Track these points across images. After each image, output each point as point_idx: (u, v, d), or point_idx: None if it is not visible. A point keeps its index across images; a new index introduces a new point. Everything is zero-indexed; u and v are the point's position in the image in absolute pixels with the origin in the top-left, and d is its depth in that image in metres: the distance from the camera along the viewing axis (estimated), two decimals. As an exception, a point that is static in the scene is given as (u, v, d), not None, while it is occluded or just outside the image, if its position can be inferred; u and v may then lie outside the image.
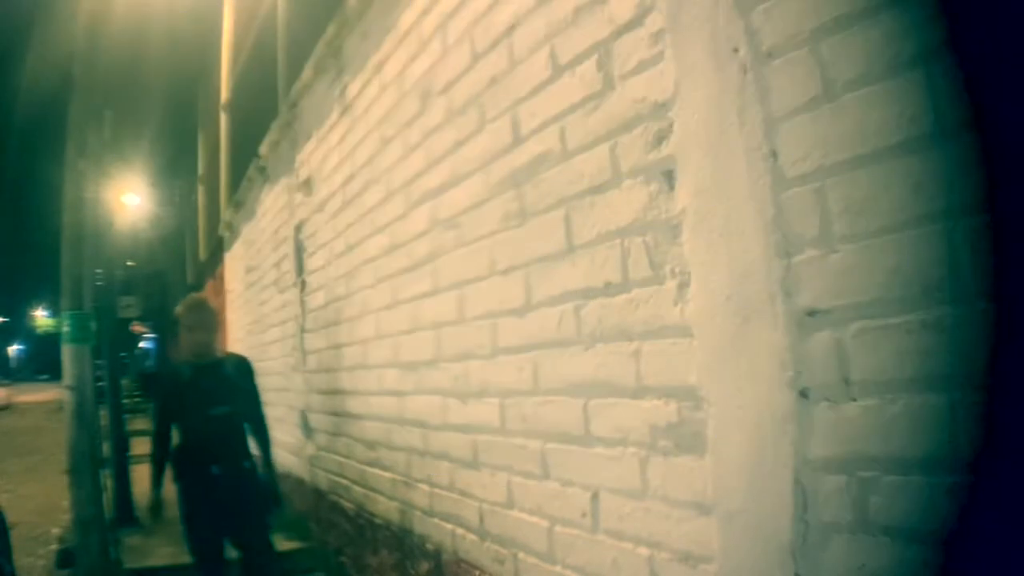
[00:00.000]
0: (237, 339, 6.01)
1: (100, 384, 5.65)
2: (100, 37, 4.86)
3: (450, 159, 2.02)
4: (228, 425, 2.84)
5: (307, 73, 3.46)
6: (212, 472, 2.76)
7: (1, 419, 18.18)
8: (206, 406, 2.80)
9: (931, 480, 0.82)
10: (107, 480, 5.39)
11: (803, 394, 0.97)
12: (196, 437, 2.81)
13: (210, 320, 2.97)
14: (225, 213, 6.74)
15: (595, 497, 1.43)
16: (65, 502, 5.05)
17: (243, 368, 3.01)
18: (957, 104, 0.80)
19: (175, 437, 2.89)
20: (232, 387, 2.89)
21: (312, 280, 3.68)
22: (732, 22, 1.07)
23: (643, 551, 1.29)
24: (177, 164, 14.55)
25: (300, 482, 3.95)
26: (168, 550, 4.06)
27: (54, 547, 5.18)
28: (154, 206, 14.69)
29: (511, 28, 1.69)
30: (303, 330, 3.87)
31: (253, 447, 2.97)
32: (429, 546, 2.22)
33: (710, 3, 1.11)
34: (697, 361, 1.16)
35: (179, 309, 2.98)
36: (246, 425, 2.97)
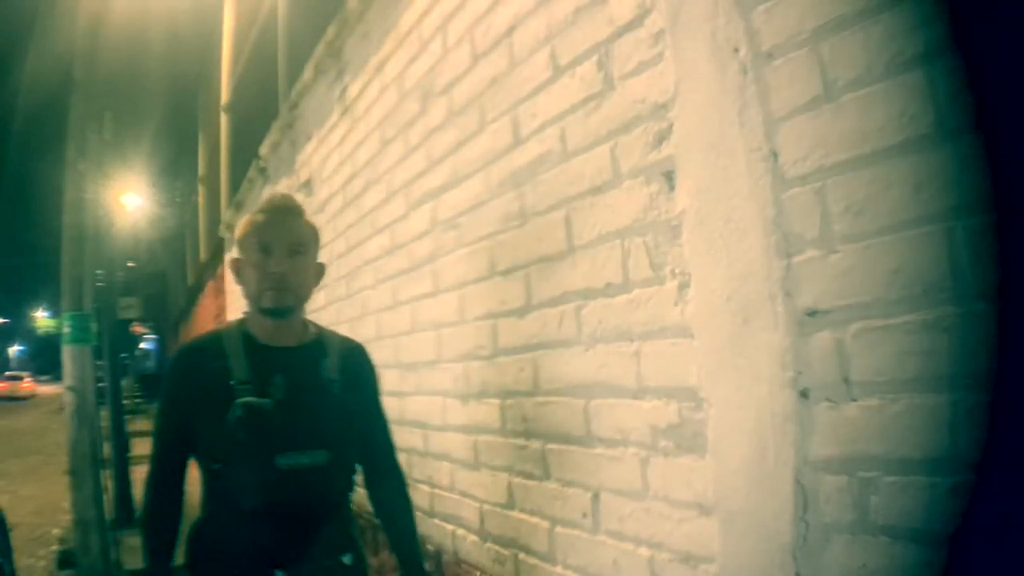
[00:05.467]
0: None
1: (101, 385, 5.66)
2: (100, 37, 4.87)
3: (450, 160, 2.02)
4: (317, 488, 1.38)
5: (307, 74, 3.46)
6: None
7: (1, 419, 18.20)
8: (274, 446, 1.33)
9: (932, 480, 0.82)
10: (108, 481, 5.39)
11: (803, 394, 0.97)
12: (246, 507, 1.32)
13: (304, 244, 1.44)
14: (225, 214, 6.74)
15: (596, 498, 1.43)
16: (66, 503, 5.05)
17: (359, 367, 1.55)
18: (957, 104, 0.80)
19: (198, 487, 1.42)
20: (336, 407, 1.42)
21: (312, 281, 3.68)
22: (732, 22, 1.07)
23: (644, 552, 1.29)
24: (178, 165, 14.57)
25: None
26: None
27: (55, 548, 5.19)
28: (154, 207, 14.69)
29: (511, 29, 1.69)
30: (303, 331, 3.86)
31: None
32: (429, 547, 2.22)
33: (710, 3, 1.11)
34: (697, 362, 1.16)
35: (246, 219, 1.47)
36: (357, 480, 1.52)
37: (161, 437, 1.43)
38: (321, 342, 1.51)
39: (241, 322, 1.48)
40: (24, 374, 35.79)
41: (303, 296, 1.46)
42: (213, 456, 1.36)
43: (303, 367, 1.43)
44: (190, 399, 1.37)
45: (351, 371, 1.51)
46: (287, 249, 1.40)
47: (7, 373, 36.58)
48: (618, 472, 1.36)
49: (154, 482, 1.42)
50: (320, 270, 1.51)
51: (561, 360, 1.53)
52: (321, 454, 1.37)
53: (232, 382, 1.35)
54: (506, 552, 1.77)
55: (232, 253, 1.50)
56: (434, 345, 2.16)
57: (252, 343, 1.43)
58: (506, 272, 1.74)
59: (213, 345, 1.42)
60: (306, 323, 1.52)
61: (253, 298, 1.43)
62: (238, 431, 1.31)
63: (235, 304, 6.33)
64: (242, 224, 1.48)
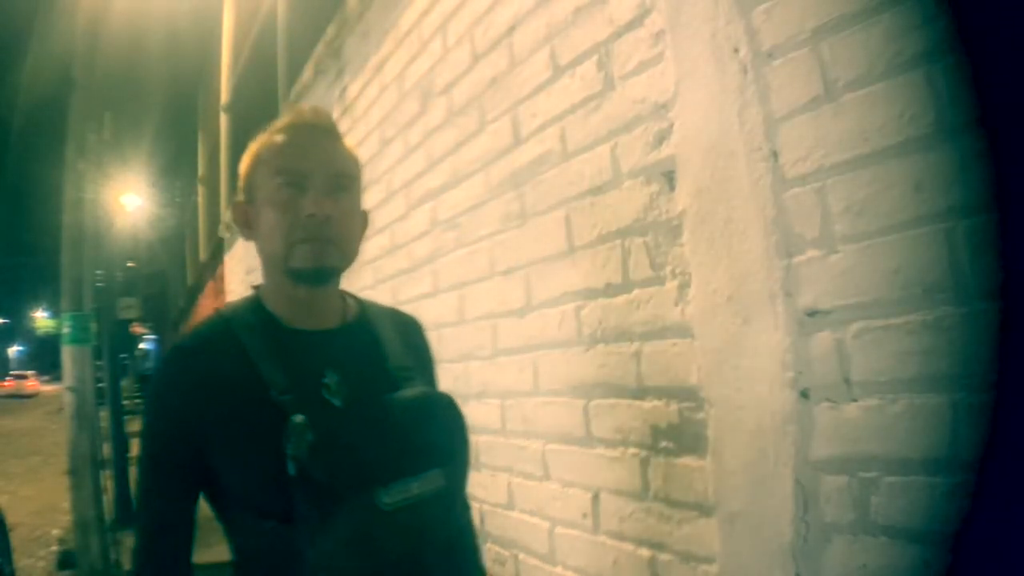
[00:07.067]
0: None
1: (100, 385, 5.66)
2: (100, 37, 4.87)
3: (450, 159, 2.02)
4: (436, 525, 0.94)
5: (307, 74, 3.46)
6: None
7: (1, 419, 18.21)
8: (369, 477, 0.86)
9: (932, 480, 0.82)
10: (107, 481, 5.40)
11: (804, 395, 0.97)
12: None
13: (350, 176, 1.00)
14: (225, 214, 6.73)
15: (596, 498, 1.43)
16: (65, 503, 5.06)
17: (421, 349, 1.19)
18: (958, 103, 0.80)
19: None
20: (425, 404, 0.98)
21: (312, 281, 3.67)
22: (732, 22, 1.07)
23: (644, 552, 1.29)
24: (177, 165, 14.58)
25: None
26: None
27: (54, 548, 5.19)
28: (154, 207, 14.69)
29: (511, 29, 1.69)
30: (303, 331, 3.86)
31: None
32: (429, 547, 2.22)
33: (710, 3, 1.11)
34: (698, 362, 1.16)
35: (260, 142, 1.01)
36: None
37: (156, 485, 0.93)
38: (368, 318, 1.07)
39: (253, 301, 1.01)
40: (29, 373, 37.89)
41: (351, 252, 1.00)
42: (265, 509, 0.87)
43: (359, 355, 1.00)
44: (200, 427, 0.89)
45: (415, 355, 1.11)
46: (327, 183, 0.96)
47: (13, 372, 38.89)
48: (618, 472, 1.36)
49: (152, 555, 0.92)
50: (365, 219, 1.06)
51: (561, 360, 1.53)
52: (435, 475, 0.92)
53: (273, 392, 0.89)
54: (506, 552, 1.77)
55: (237, 197, 1.06)
56: (434, 345, 2.15)
57: (279, 329, 0.97)
58: (506, 272, 1.74)
59: (222, 339, 0.95)
60: (343, 294, 1.08)
61: (277, 256, 0.95)
62: (314, 466, 0.84)
63: (235, 304, 6.32)
64: (255, 150, 1.01)
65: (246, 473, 0.89)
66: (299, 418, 0.86)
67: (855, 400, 0.91)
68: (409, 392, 0.97)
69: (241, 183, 1.04)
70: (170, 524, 0.93)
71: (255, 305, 1.00)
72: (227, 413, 0.90)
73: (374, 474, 0.87)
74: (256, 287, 1.04)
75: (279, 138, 0.99)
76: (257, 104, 5.38)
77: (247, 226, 1.02)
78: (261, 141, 1.01)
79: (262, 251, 1.00)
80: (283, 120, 1.01)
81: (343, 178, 0.98)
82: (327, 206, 0.94)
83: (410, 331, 1.16)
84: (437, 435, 0.96)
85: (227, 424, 0.89)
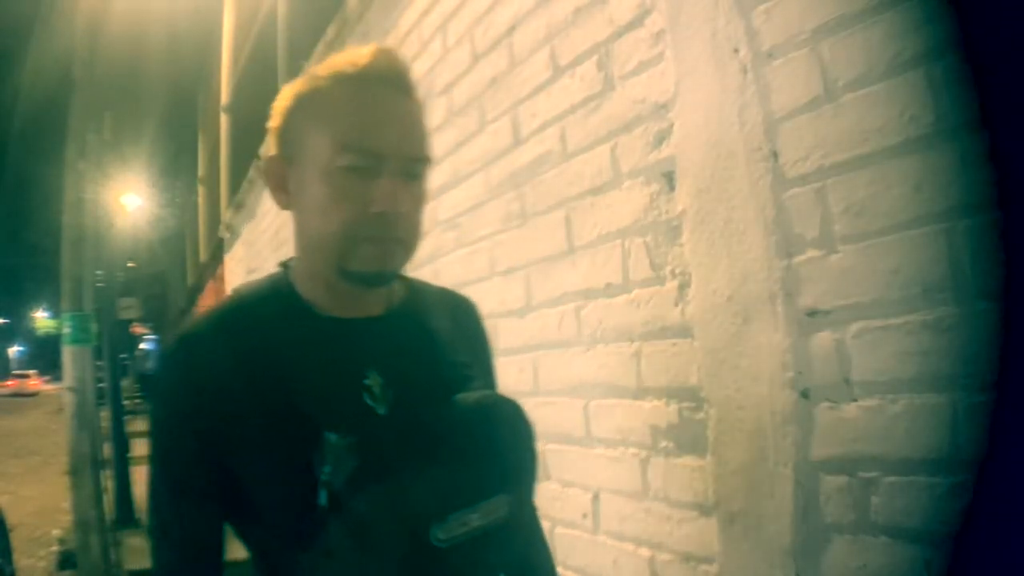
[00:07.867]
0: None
1: (100, 385, 5.66)
2: (100, 38, 4.87)
3: (450, 159, 2.02)
4: (497, 562, 0.79)
5: (307, 74, 3.46)
6: None
7: (1, 420, 18.23)
8: (419, 508, 0.70)
9: (932, 480, 0.82)
10: (108, 481, 5.40)
11: (804, 395, 0.97)
12: None
13: (427, 157, 0.77)
14: (225, 214, 6.73)
15: (596, 498, 1.43)
16: (66, 504, 5.06)
17: (478, 337, 0.97)
18: (958, 103, 0.80)
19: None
20: (487, 410, 0.80)
21: (312, 281, 3.67)
22: (732, 22, 1.07)
23: (644, 552, 1.29)
24: (177, 165, 14.59)
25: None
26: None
27: (55, 549, 5.19)
28: (154, 207, 14.70)
29: (511, 29, 1.69)
30: (303, 331, 3.85)
31: None
32: (430, 547, 2.22)
33: (710, 3, 1.11)
34: (698, 362, 1.16)
35: (317, 87, 0.75)
36: None
37: (174, 506, 0.75)
38: (417, 302, 0.88)
39: (280, 282, 0.82)
40: (31, 372, 38.85)
41: (415, 248, 0.80)
42: (292, 540, 0.70)
43: (408, 350, 0.82)
44: (217, 432, 0.72)
45: (472, 347, 0.93)
46: (403, 168, 0.75)
47: (15, 372, 39.96)
48: (618, 472, 1.36)
49: None
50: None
51: (561, 360, 1.53)
52: (499, 502, 0.77)
53: (301, 398, 0.73)
54: (506, 552, 1.77)
55: (268, 150, 0.98)
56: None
57: (311, 318, 0.79)
58: (506, 272, 1.74)
59: (239, 328, 0.77)
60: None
61: (330, 251, 0.75)
62: (354, 497, 0.68)
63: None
64: (307, 93, 0.77)
65: (267, 496, 0.71)
66: (335, 437, 0.70)
67: (855, 400, 0.91)
68: (469, 398, 0.80)
69: (276, 125, 0.80)
70: (197, 542, 0.75)
71: (283, 288, 0.81)
72: (245, 422, 0.72)
73: (427, 506, 0.71)
74: (284, 264, 0.84)
75: (346, 91, 0.75)
76: (257, 104, 5.38)
77: (282, 190, 0.80)
78: (317, 85, 0.76)
79: (305, 234, 0.79)
80: (350, 60, 0.75)
81: (419, 161, 0.77)
82: (401, 199, 0.74)
83: (465, 317, 0.96)
84: (502, 452, 0.79)
85: (245, 435, 0.72)
